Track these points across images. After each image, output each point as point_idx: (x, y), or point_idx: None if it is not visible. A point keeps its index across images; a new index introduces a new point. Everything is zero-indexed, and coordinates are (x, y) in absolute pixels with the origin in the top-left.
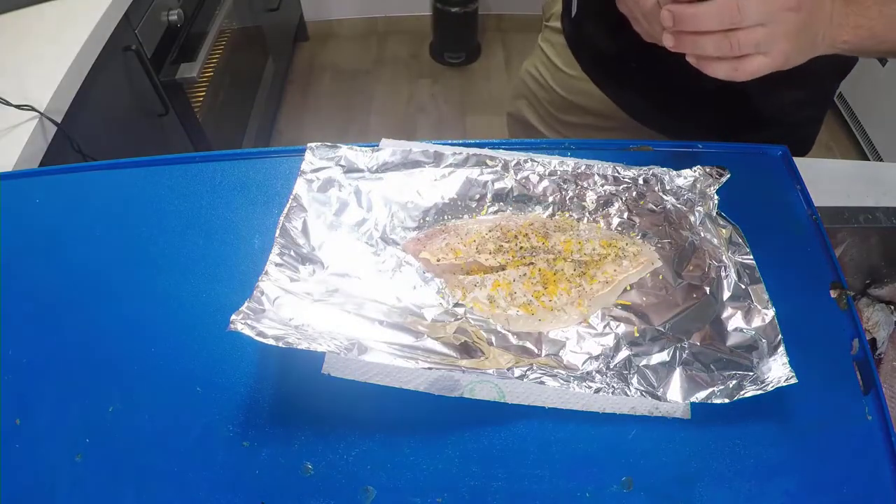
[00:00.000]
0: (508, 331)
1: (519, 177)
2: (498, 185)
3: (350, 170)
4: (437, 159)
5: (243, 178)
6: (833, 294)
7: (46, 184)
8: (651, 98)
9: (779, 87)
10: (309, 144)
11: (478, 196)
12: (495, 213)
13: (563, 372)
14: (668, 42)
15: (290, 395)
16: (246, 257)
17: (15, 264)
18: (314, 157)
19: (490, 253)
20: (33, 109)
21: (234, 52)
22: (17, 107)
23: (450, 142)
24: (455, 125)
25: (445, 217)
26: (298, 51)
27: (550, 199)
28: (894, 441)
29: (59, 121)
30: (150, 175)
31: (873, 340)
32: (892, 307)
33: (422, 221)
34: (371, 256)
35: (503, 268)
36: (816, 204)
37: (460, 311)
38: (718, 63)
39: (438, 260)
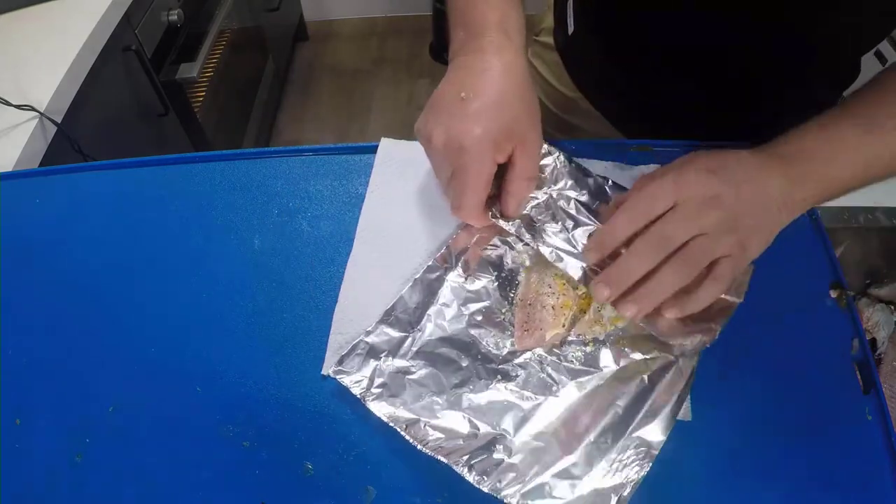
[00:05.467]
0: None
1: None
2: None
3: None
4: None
5: (243, 178)
6: (833, 294)
7: (46, 184)
8: (653, 120)
9: (785, 115)
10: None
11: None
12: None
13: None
14: (629, 311)
15: (290, 395)
16: (246, 257)
17: (15, 264)
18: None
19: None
20: (33, 109)
21: (234, 52)
22: (17, 107)
23: None
24: None
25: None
26: (298, 51)
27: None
28: (894, 441)
29: (59, 121)
30: (150, 175)
31: (873, 340)
32: (892, 307)
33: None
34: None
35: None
36: None
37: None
38: (697, 294)
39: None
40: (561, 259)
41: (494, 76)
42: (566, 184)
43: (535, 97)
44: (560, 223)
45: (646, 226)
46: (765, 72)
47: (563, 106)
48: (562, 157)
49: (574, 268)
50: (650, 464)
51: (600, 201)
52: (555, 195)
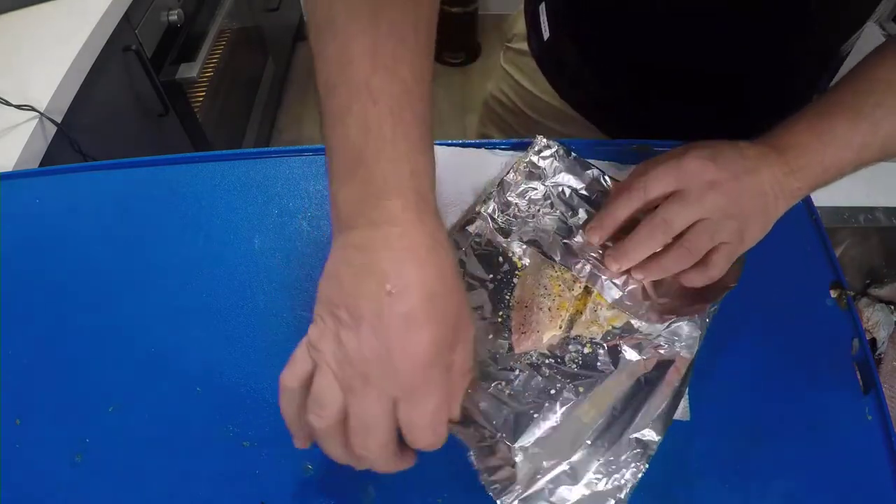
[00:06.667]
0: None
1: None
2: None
3: None
4: None
5: (243, 178)
6: (833, 294)
7: (46, 184)
8: (634, 123)
9: (768, 116)
10: None
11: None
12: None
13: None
14: (638, 276)
15: None
16: (246, 258)
17: (15, 264)
18: None
19: (574, 280)
20: (33, 109)
21: (234, 52)
22: (17, 107)
23: (449, 142)
24: (455, 125)
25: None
26: (298, 51)
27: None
28: (894, 441)
29: (59, 121)
30: (150, 175)
31: (873, 340)
32: (892, 307)
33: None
34: None
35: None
36: (816, 204)
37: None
38: (692, 273)
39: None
40: (557, 250)
41: (424, 259)
42: (564, 175)
43: (460, 278)
44: (558, 212)
45: (647, 209)
46: (746, 71)
47: (542, 111)
48: (560, 150)
49: (568, 258)
50: (646, 465)
51: (599, 192)
52: (553, 186)
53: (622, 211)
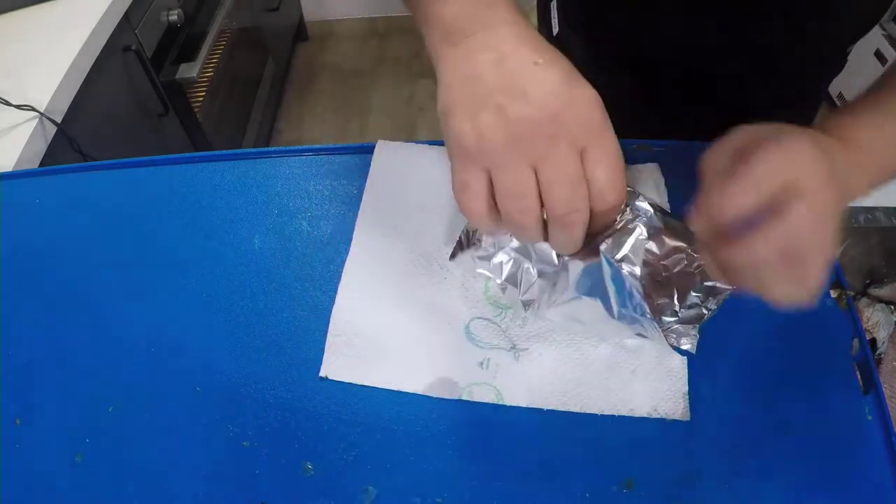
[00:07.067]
0: None
1: None
2: None
3: None
4: None
5: (243, 178)
6: (833, 294)
7: (46, 184)
8: (641, 120)
9: (775, 112)
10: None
11: None
12: None
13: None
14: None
15: (290, 395)
16: (246, 258)
17: (15, 264)
18: None
19: None
20: (33, 109)
21: (234, 52)
22: (17, 107)
23: None
24: None
25: None
26: (298, 51)
27: None
28: (894, 441)
29: (59, 121)
30: (150, 175)
31: (873, 340)
32: (892, 307)
33: None
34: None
35: None
36: None
37: None
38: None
39: None
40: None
41: (550, 46)
42: None
43: None
44: None
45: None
46: (748, 71)
47: None
48: None
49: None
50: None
51: None
52: None
53: (734, 208)
